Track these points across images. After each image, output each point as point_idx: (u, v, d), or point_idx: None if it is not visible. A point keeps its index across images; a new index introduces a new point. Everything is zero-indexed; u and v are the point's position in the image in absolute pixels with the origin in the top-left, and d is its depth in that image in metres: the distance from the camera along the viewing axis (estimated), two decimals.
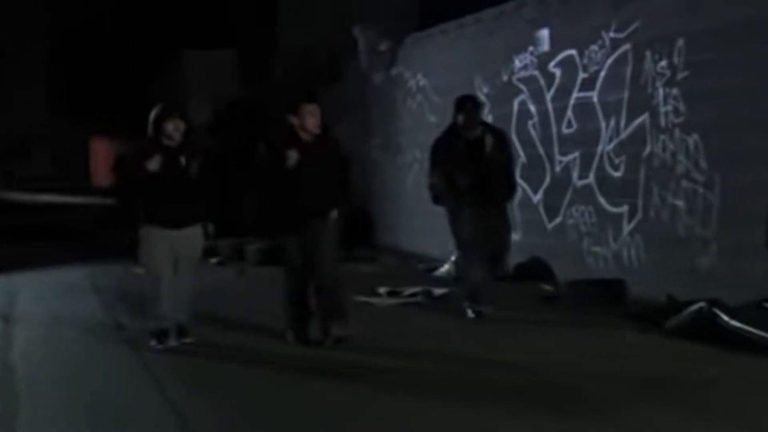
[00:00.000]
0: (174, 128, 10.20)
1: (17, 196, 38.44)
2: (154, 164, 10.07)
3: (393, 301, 12.52)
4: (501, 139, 11.59)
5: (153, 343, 10.14)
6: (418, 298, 12.61)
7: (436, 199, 11.64)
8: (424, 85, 18.04)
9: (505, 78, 15.14)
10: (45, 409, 8.07)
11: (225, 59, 30.47)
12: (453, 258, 14.68)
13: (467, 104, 11.48)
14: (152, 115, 10.30)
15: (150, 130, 10.28)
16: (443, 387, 8.12)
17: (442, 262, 15.00)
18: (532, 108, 14.41)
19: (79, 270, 16.97)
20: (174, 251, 10.31)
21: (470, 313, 11.14)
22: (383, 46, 19.43)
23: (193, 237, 10.52)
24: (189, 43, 31.21)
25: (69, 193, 39.12)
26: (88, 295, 14.40)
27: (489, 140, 11.23)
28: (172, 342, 10.20)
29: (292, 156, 10.00)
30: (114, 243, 17.66)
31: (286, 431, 7.20)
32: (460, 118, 11.33)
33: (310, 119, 10.16)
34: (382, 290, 12.90)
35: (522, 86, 14.70)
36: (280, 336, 10.23)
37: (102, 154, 47.37)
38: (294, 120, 10.19)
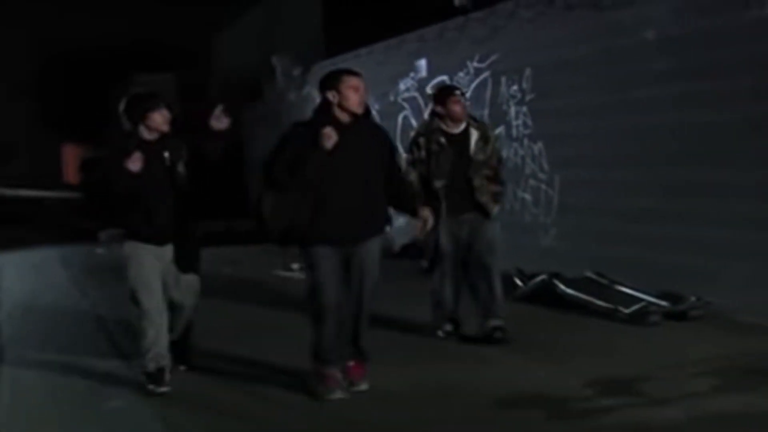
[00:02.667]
0: (163, 119, 6.83)
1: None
2: (135, 164, 6.61)
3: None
4: (486, 134, 8.22)
5: (151, 387, 6.69)
6: None
7: None
8: None
9: (391, 98, 15.16)
10: (24, 360, 7.96)
11: (166, 81, 30.44)
12: None
13: (455, 93, 8.18)
14: (126, 104, 6.90)
15: (127, 123, 6.87)
16: None
17: None
18: (413, 122, 14.40)
19: (51, 250, 16.78)
20: (165, 272, 6.89)
21: (440, 333, 8.15)
22: (296, 71, 19.43)
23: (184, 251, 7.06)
24: (138, 68, 31.08)
25: (43, 188, 38.58)
26: (59, 270, 14.30)
27: (474, 136, 8.04)
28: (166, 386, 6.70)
29: (330, 135, 6.18)
30: (80, 229, 17.26)
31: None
32: (450, 108, 7.99)
33: (352, 95, 6.38)
34: (295, 266, 12.81)
35: (405, 104, 14.73)
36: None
37: (70, 157, 46.85)
38: (331, 96, 6.40)
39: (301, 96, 19.36)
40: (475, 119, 8.41)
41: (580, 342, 7.85)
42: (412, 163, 8.10)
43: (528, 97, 11.49)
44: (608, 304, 8.84)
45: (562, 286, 9.42)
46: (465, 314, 8.14)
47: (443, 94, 8.22)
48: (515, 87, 11.69)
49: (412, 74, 14.59)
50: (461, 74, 13.00)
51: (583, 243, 10.43)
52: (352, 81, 6.44)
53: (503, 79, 11.84)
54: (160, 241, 6.84)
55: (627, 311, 8.60)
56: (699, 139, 8.92)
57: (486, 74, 12.46)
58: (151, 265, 6.79)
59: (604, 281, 9.44)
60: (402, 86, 14.84)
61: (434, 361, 7.26)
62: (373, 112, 7.41)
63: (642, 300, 8.74)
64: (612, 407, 5.96)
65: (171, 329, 6.99)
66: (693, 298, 8.66)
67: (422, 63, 14.31)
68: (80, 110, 39.46)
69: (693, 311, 8.56)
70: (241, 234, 14.73)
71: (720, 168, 8.73)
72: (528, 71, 11.49)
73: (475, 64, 12.67)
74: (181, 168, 6.88)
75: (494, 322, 7.87)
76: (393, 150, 6.83)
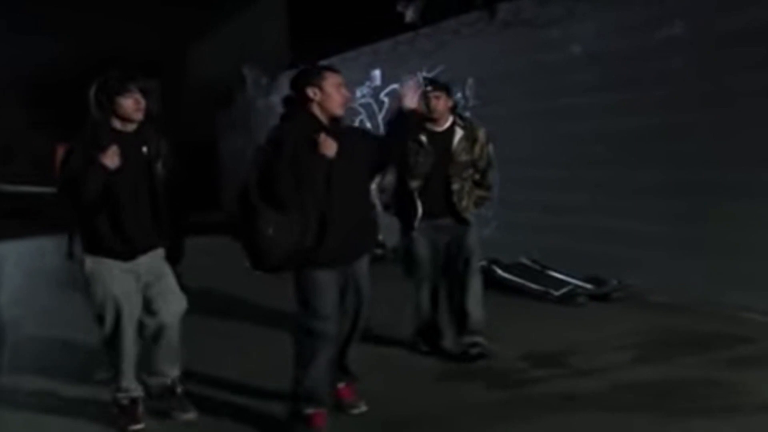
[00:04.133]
0: (135, 106, 5.13)
1: (2, 186, 37.27)
2: (112, 159, 4.94)
3: None
4: (473, 134, 6.68)
5: (124, 423, 5.34)
6: None
7: (387, 207, 6.81)
8: None
9: (349, 104, 15.14)
10: (24, 338, 7.96)
11: (152, 87, 30.09)
12: None
13: (427, 89, 6.56)
14: (96, 89, 5.18)
15: (95, 111, 5.16)
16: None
17: None
18: (368, 125, 14.44)
19: (48, 240, 16.62)
20: (143, 286, 5.27)
21: (423, 347, 6.81)
22: (264, 80, 19.33)
23: (158, 259, 5.35)
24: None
25: (42, 185, 38.12)
26: (55, 258, 14.15)
27: (458, 135, 6.58)
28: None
29: (330, 142, 4.86)
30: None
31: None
32: (422, 106, 6.32)
33: (336, 95, 5.03)
34: None
35: (361, 110, 14.70)
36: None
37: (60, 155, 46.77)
38: (312, 93, 5.01)
39: (269, 102, 19.32)
40: (462, 118, 6.83)
41: (515, 321, 7.89)
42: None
43: (471, 104, 11.50)
44: (540, 287, 8.93)
45: (500, 271, 9.48)
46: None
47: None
48: (459, 95, 11.69)
49: (367, 83, 14.58)
50: (411, 83, 13.02)
51: (520, 233, 10.51)
52: (336, 78, 5.08)
53: None
54: (129, 254, 5.17)
55: (557, 293, 8.69)
56: (618, 142, 9.01)
57: None
58: (121, 281, 5.16)
59: (536, 267, 9.53)
60: (359, 93, 14.80)
61: (377, 340, 7.07)
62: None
63: (570, 283, 8.84)
64: (543, 378, 6.04)
65: (155, 371, 5.49)
66: (614, 282, 8.77)
67: (377, 73, 14.30)
68: (72, 114, 39.15)
69: (615, 293, 8.67)
70: (212, 225, 14.67)
71: (637, 168, 8.84)
72: (470, 81, 11.53)
73: (424, 74, 12.69)
74: (159, 167, 5.24)
75: (469, 339, 6.64)
76: (374, 137, 5.51)
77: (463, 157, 6.59)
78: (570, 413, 5.27)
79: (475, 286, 6.65)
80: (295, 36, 19.29)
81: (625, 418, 5.15)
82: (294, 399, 5.14)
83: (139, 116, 5.16)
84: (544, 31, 10.05)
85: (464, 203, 6.60)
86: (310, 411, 5.08)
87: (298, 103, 5.08)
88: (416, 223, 6.57)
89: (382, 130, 13.74)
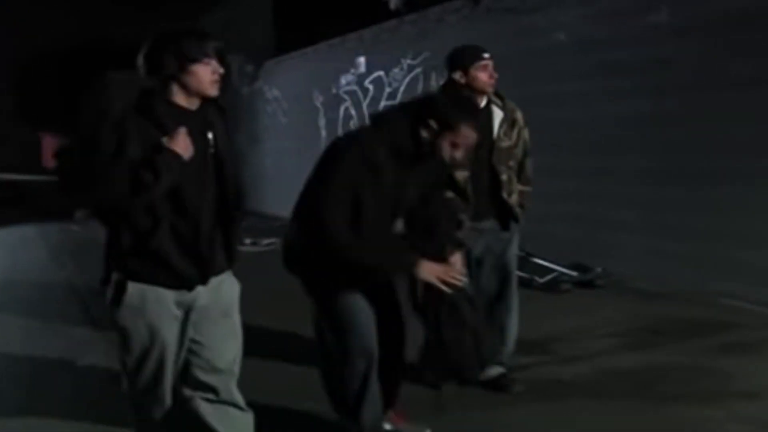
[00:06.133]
0: (212, 77, 3.47)
1: None
2: (184, 145, 3.36)
3: (255, 248, 12.39)
4: (513, 116, 5.21)
5: None
6: (272, 246, 12.43)
7: None
8: (277, 96, 17.91)
9: (334, 91, 15.08)
10: (9, 324, 7.93)
11: (137, 79, 29.96)
12: None
13: (484, 57, 5.06)
14: (152, 47, 3.46)
15: (146, 77, 3.50)
16: None
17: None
18: (353, 112, 14.38)
19: (33, 227, 16.59)
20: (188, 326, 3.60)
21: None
22: (249, 68, 19.26)
23: (229, 289, 3.74)
24: (112, 66, 30.60)
25: (28, 173, 38.03)
26: (40, 245, 14.18)
27: (498, 116, 5.10)
28: None
29: None
30: (59, 209, 17.01)
31: None
32: (476, 76, 5.00)
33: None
34: (247, 240, 12.76)
35: (346, 97, 14.65)
36: None
37: (48, 145, 46.49)
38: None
39: (254, 90, 19.25)
40: (499, 96, 5.22)
41: None
42: None
43: None
44: (525, 274, 8.86)
45: None
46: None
47: (466, 57, 5.07)
48: (444, 81, 11.67)
49: (352, 70, 14.51)
50: (396, 70, 12.96)
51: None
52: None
53: (433, 74, 11.80)
54: (199, 278, 3.54)
55: (541, 280, 8.64)
56: (603, 130, 8.97)
57: (418, 70, 12.42)
58: (170, 322, 3.55)
59: (521, 253, 9.44)
60: (343, 81, 14.77)
61: None
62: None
63: (555, 270, 8.79)
64: (528, 364, 5.94)
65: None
66: (599, 269, 8.73)
67: (361, 60, 14.24)
68: (57, 104, 38.95)
69: (599, 280, 8.63)
70: None
71: (623, 155, 8.79)
72: None
73: (409, 61, 12.63)
74: (228, 159, 3.67)
75: (499, 370, 5.39)
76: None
77: (505, 143, 5.15)
78: (557, 400, 5.22)
79: (515, 310, 5.44)
80: (280, 23, 19.21)
81: (612, 405, 5.10)
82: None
83: (215, 91, 3.57)
84: (527, 17, 9.99)
85: (514, 198, 5.19)
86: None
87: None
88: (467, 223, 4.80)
89: (367, 120, 13.73)
